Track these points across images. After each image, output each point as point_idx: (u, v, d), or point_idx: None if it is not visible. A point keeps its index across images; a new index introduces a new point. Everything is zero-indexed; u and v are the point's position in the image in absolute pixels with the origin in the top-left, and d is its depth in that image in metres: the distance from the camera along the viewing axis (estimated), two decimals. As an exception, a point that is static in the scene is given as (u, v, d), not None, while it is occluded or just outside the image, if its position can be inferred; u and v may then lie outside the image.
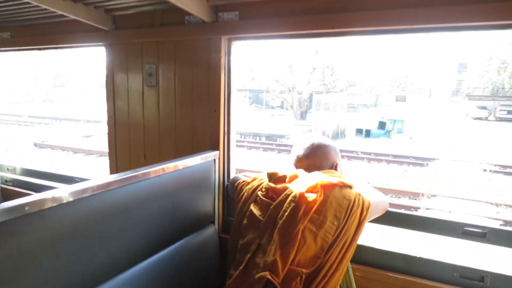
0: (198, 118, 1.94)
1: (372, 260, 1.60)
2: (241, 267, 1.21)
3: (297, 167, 1.42)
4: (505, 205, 6.71)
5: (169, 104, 2.03)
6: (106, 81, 2.23)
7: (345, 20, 1.58)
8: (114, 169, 2.27)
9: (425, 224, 1.62)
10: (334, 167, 1.41)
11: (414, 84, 44.24)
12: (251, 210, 1.31)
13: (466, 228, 1.51)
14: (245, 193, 1.42)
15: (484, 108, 27.44)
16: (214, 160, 1.79)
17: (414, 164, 11.01)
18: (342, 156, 1.43)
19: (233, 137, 1.96)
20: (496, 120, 25.83)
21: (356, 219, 1.19)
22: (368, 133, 17.96)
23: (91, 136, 15.29)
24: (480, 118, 26.50)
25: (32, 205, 0.95)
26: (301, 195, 1.18)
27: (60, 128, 17.96)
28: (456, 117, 27.22)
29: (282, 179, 1.32)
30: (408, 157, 11.76)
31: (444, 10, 1.40)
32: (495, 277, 1.44)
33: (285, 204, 1.20)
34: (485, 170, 10.09)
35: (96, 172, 9.44)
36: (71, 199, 1.05)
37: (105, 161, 10.28)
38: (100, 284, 1.16)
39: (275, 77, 20.04)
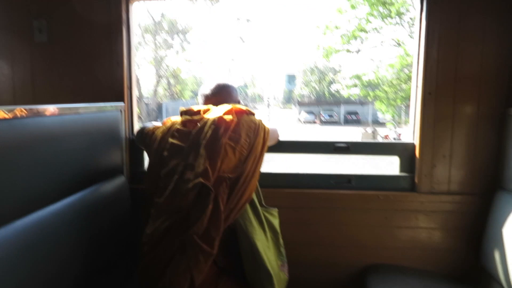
0: (100, 70, 1.93)
1: (272, 183, 1.94)
2: (170, 188, 1.34)
3: (205, 105, 1.63)
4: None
5: (65, 59, 1.95)
6: None
7: None
8: None
9: (308, 146, 2.07)
10: (238, 102, 1.67)
11: (253, 93, 48.12)
12: (171, 142, 1.46)
13: (336, 145, 1.95)
14: (160, 133, 1.55)
15: (312, 113, 31.71)
16: (121, 111, 1.80)
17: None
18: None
19: (135, 92, 2.03)
20: (321, 123, 30.11)
21: (261, 139, 1.45)
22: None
23: None
24: (309, 122, 30.48)
25: None
26: (220, 118, 1.41)
27: None
28: (292, 122, 30.64)
29: (197, 112, 1.52)
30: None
31: None
32: (358, 178, 1.93)
33: (206, 127, 1.40)
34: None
35: None
36: None
37: None
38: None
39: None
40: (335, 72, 33.42)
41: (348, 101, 30.15)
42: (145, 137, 1.67)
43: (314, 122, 30.58)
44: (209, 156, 1.34)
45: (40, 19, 1.91)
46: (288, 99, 44.04)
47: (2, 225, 1.06)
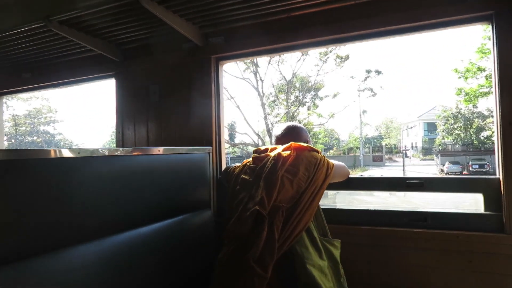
0: (195, 121, 2.35)
1: (345, 219, 2.01)
2: (235, 216, 1.49)
3: (276, 145, 1.79)
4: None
5: (170, 113, 2.44)
6: (116, 106, 2.62)
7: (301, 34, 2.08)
8: None
9: (379, 183, 2.03)
10: (306, 142, 1.77)
11: (387, 145, 45.98)
12: (242, 178, 1.65)
13: (408, 181, 1.92)
14: (237, 171, 1.76)
15: (457, 163, 28.34)
16: (209, 153, 2.09)
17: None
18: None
19: (223, 138, 2.38)
20: (470, 175, 26.55)
21: (323, 174, 1.56)
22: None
23: None
24: (455, 173, 27.25)
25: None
26: (279, 153, 1.57)
27: None
28: (434, 174, 27.92)
29: (265, 151, 1.69)
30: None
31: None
32: (435, 216, 1.86)
33: (268, 163, 1.57)
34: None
35: None
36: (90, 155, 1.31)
37: None
38: (103, 237, 1.33)
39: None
40: (483, 117, 29.78)
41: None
42: (227, 175, 1.87)
43: (461, 173, 27.22)
44: (266, 187, 1.48)
45: (154, 84, 2.48)
46: (429, 149, 40.55)
47: (104, 237, 1.32)
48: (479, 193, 1.80)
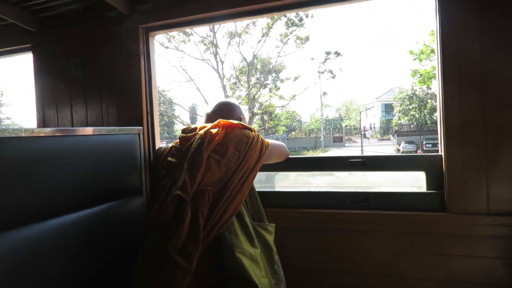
0: (122, 98, 2.09)
1: (284, 202, 1.90)
2: (157, 203, 1.33)
3: (207, 123, 1.62)
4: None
5: (96, 90, 2.16)
6: (35, 82, 2.30)
7: None
8: None
9: (320, 163, 1.92)
10: (239, 119, 1.65)
11: (347, 126, 47.21)
12: (168, 160, 1.50)
13: (350, 160, 1.83)
14: (165, 153, 1.61)
15: (412, 143, 29.65)
16: (139, 134, 1.85)
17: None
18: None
19: (157, 118, 2.13)
20: (425, 153, 27.82)
21: (256, 153, 1.43)
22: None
23: None
24: (410, 152, 28.46)
25: None
26: (206, 131, 1.44)
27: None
28: (390, 153, 29.00)
29: (193, 130, 1.54)
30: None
31: None
32: (376, 196, 1.78)
33: (194, 142, 1.42)
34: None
35: None
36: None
37: None
38: (23, 225, 1.18)
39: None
40: (436, 98, 31.06)
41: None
42: (157, 159, 1.71)
43: (415, 152, 28.51)
44: (189, 169, 1.34)
45: (75, 58, 2.18)
46: (386, 130, 42.04)
47: (22, 226, 1.17)
48: (421, 171, 1.73)
